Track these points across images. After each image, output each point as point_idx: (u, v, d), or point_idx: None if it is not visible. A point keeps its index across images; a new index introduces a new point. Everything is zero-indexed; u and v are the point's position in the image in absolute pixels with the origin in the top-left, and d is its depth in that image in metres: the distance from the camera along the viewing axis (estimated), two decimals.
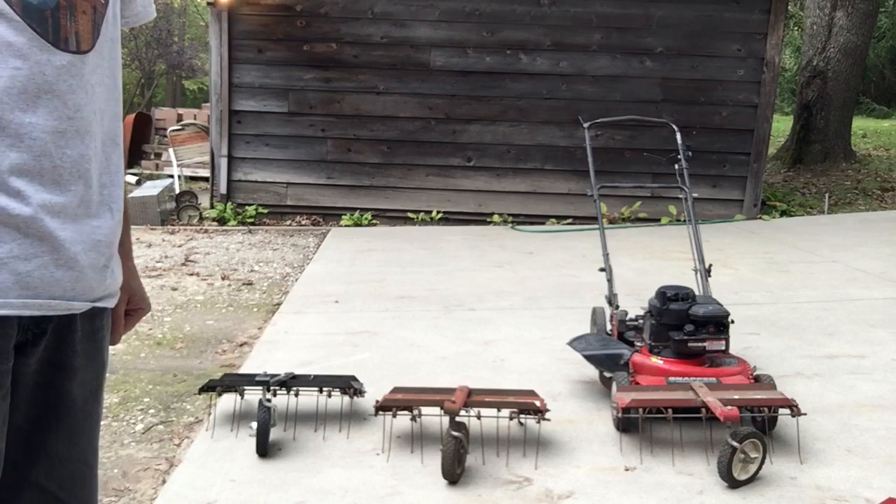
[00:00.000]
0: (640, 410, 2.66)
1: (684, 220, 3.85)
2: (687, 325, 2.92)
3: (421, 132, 8.09)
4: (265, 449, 2.67)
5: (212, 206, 8.13)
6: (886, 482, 2.52)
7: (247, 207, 8.06)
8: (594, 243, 4.49)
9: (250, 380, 2.93)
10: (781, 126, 13.53)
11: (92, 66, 1.13)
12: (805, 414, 2.65)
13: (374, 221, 8.05)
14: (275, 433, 2.79)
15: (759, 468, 2.49)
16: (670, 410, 2.65)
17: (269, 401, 2.72)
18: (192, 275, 5.57)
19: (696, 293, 3.09)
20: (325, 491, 2.47)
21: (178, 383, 3.47)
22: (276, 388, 2.84)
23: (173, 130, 9.83)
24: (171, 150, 9.63)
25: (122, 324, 1.39)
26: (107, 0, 1.16)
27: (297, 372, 3.05)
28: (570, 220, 7.97)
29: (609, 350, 3.15)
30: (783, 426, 2.82)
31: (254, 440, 2.68)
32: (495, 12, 7.90)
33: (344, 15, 7.92)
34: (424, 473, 2.57)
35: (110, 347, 1.32)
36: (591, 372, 3.32)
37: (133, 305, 1.41)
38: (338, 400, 3.00)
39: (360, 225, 7.92)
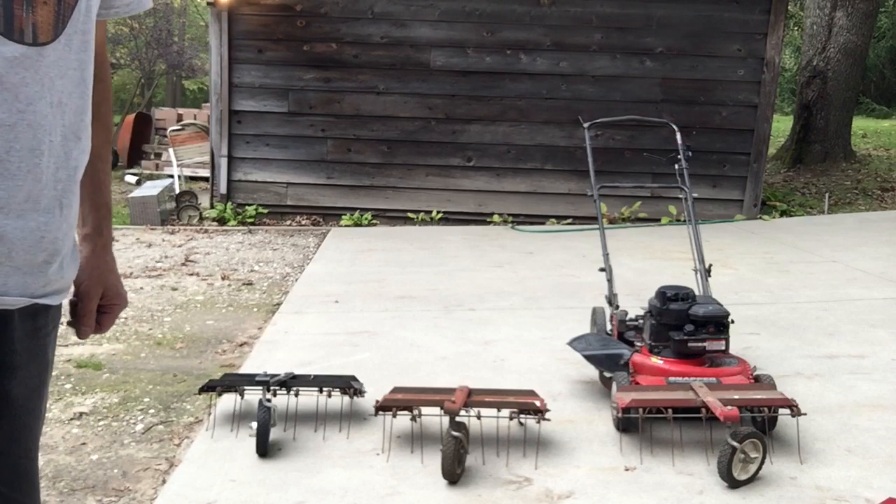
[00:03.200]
0: (640, 410, 2.66)
1: (684, 220, 3.85)
2: (687, 325, 2.92)
3: (421, 132, 8.09)
4: (265, 449, 2.67)
5: (212, 206, 8.13)
6: (886, 482, 2.52)
7: (247, 207, 8.07)
8: (594, 243, 4.49)
9: (250, 380, 2.93)
10: (781, 126, 13.53)
11: (53, 58, 1.09)
12: (805, 414, 2.65)
13: (374, 221, 8.05)
14: (275, 433, 2.79)
15: (759, 468, 2.49)
16: (670, 410, 2.65)
17: (269, 401, 2.72)
18: (192, 275, 5.56)
19: (696, 293, 3.09)
20: (325, 491, 2.47)
21: (178, 383, 3.47)
22: (276, 388, 2.84)
23: (173, 130, 9.83)
24: (171, 150, 9.63)
25: (94, 319, 1.33)
26: None
27: (297, 372, 3.05)
28: (570, 220, 7.97)
29: (609, 350, 3.15)
30: (783, 426, 2.82)
31: (254, 440, 2.68)
32: (495, 12, 7.90)
33: (344, 15, 7.92)
34: (424, 473, 2.57)
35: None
36: (591, 372, 3.32)
37: (108, 301, 1.35)
38: (338, 400, 2.99)
39: (360, 225, 7.92)
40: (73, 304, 1.33)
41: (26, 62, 1.06)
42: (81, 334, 1.33)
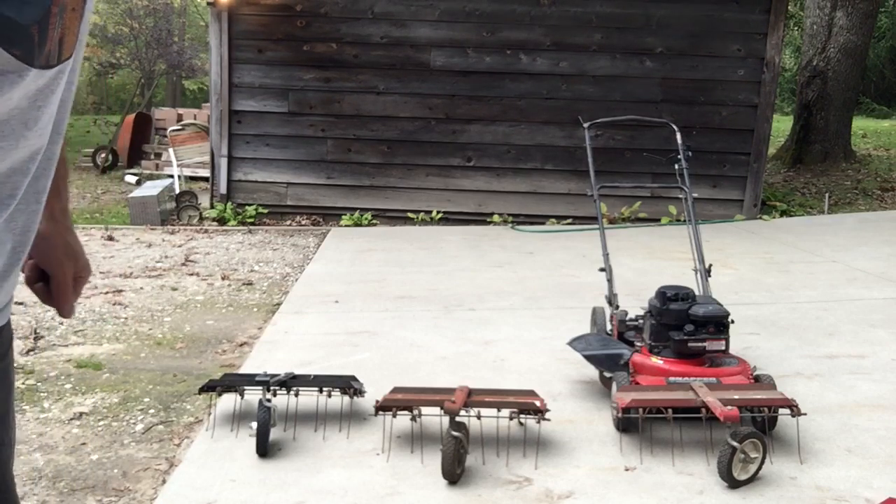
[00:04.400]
0: (640, 410, 2.66)
1: (684, 220, 3.85)
2: (687, 325, 2.92)
3: (421, 132, 8.09)
4: (265, 449, 2.67)
5: (212, 206, 8.13)
6: (886, 482, 2.52)
7: (247, 207, 8.06)
8: (594, 243, 4.49)
9: (250, 380, 2.93)
10: (781, 126, 13.52)
11: (63, 74, 0.92)
12: (805, 414, 2.65)
13: (374, 221, 8.05)
14: (275, 433, 2.79)
15: (759, 468, 2.49)
16: (670, 410, 2.65)
17: (269, 401, 2.72)
18: (192, 275, 5.56)
19: (696, 293, 3.09)
20: (325, 491, 2.47)
21: (178, 383, 3.47)
22: (276, 388, 2.84)
23: (173, 130, 9.83)
24: (171, 150, 9.63)
25: (72, 292, 1.18)
26: None
27: (297, 372, 3.05)
28: (570, 220, 7.97)
29: (609, 350, 3.15)
30: (783, 426, 2.82)
31: (254, 440, 2.67)
32: (495, 12, 7.90)
33: (344, 15, 7.92)
34: (424, 473, 2.57)
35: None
36: (591, 372, 3.32)
37: (78, 273, 1.19)
38: (338, 400, 2.99)
39: (360, 225, 7.92)
40: (41, 286, 1.17)
41: (48, 88, 0.89)
42: (66, 312, 1.18)
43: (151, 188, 8.39)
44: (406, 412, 2.74)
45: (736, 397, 2.64)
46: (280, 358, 3.68)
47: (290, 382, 2.91)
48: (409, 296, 4.92)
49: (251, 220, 7.97)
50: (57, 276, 1.15)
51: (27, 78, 0.84)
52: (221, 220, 7.90)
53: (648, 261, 5.96)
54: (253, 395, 2.90)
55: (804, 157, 10.99)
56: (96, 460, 2.73)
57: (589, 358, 3.17)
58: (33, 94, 0.87)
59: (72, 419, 3.06)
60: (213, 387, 2.94)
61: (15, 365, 1.16)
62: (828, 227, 7.65)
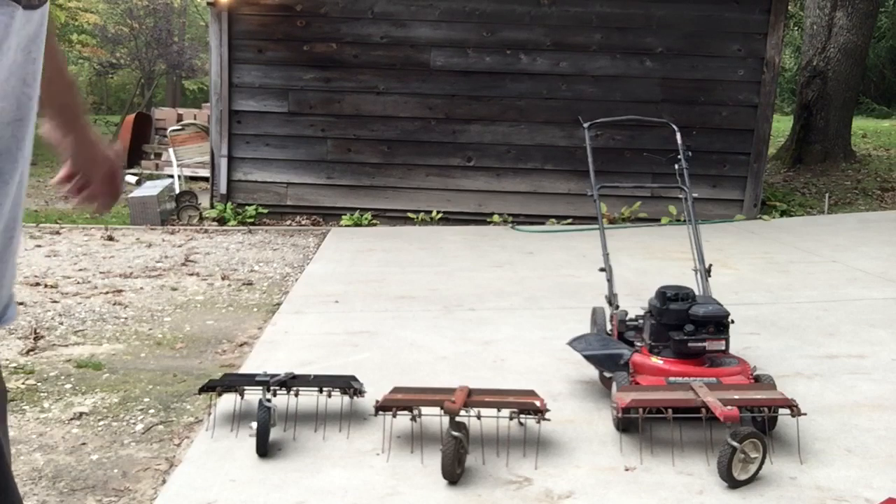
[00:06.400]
0: (640, 410, 2.66)
1: (684, 220, 3.84)
2: (687, 325, 2.92)
3: (421, 132, 8.09)
4: (265, 449, 2.67)
5: (212, 206, 8.13)
6: (886, 482, 2.52)
7: (247, 207, 8.07)
8: (594, 243, 4.49)
9: (250, 380, 2.93)
10: (781, 126, 13.52)
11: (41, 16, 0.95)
12: (805, 414, 2.65)
13: (374, 221, 8.05)
14: (275, 433, 2.79)
15: (759, 468, 2.49)
16: (670, 410, 2.65)
17: (269, 401, 2.72)
18: (192, 275, 5.56)
19: (696, 293, 3.09)
20: (325, 491, 2.47)
21: (178, 383, 3.47)
22: (276, 388, 2.84)
23: (173, 130, 9.83)
24: (171, 150, 9.63)
25: (111, 186, 1.26)
26: None
27: (297, 372, 3.05)
28: (570, 220, 7.97)
29: (609, 350, 3.15)
30: (783, 426, 2.82)
31: (254, 440, 2.67)
32: (495, 12, 7.90)
33: (344, 15, 7.92)
34: (424, 473, 2.56)
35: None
36: (591, 372, 3.32)
37: (111, 169, 1.27)
38: (338, 400, 2.99)
39: (360, 225, 7.92)
40: (80, 187, 1.25)
41: (38, 36, 0.93)
42: (104, 207, 1.28)
43: (151, 188, 8.39)
44: (406, 412, 2.74)
45: (736, 397, 2.64)
46: (280, 358, 3.68)
47: (290, 382, 2.91)
48: (409, 296, 4.92)
49: (251, 220, 7.97)
50: (95, 178, 1.25)
51: (17, 20, 0.86)
52: (221, 220, 7.90)
53: (648, 261, 5.96)
54: (253, 395, 2.90)
55: (804, 157, 10.99)
56: (96, 460, 2.73)
57: (589, 358, 3.17)
58: (26, 44, 0.89)
59: (72, 419, 3.06)
60: (213, 387, 2.94)
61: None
62: (828, 227, 7.65)
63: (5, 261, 1.01)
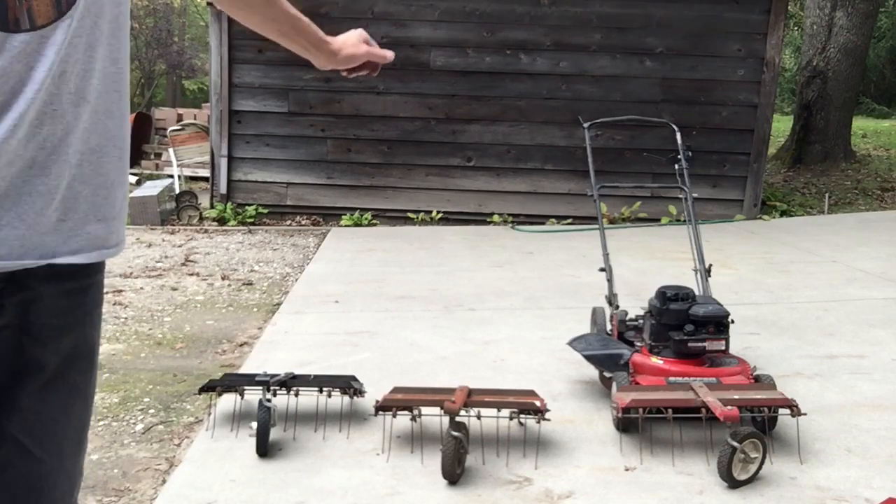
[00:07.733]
0: (640, 410, 2.66)
1: (684, 220, 3.85)
2: (687, 325, 2.92)
3: (421, 132, 8.09)
4: (265, 449, 2.67)
5: (212, 206, 8.13)
6: (886, 482, 2.52)
7: (247, 207, 8.06)
8: (594, 243, 4.49)
9: (250, 380, 2.93)
10: (781, 126, 13.52)
11: (61, 37, 1.02)
12: (805, 414, 2.65)
13: (374, 221, 8.05)
14: (275, 433, 2.79)
15: (759, 468, 2.49)
16: (670, 410, 2.65)
17: (269, 401, 2.72)
18: (192, 275, 5.57)
19: (696, 293, 3.09)
20: (325, 491, 2.47)
21: (178, 383, 3.47)
22: (276, 388, 2.84)
23: (173, 130, 9.84)
24: (171, 150, 9.64)
25: (373, 55, 1.70)
26: None
27: (297, 372, 3.05)
28: (570, 220, 7.97)
29: (609, 350, 3.15)
30: (783, 426, 2.82)
31: (254, 440, 2.67)
32: (495, 12, 7.90)
33: (344, 15, 7.92)
34: (424, 473, 2.57)
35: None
36: (591, 372, 3.32)
37: (362, 45, 1.69)
38: (338, 400, 2.99)
39: (360, 225, 7.92)
40: (350, 71, 1.71)
41: (28, 48, 1.00)
42: (374, 71, 1.75)
43: (151, 188, 8.39)
44: (406, 412, 2.74)
45: (736, 397, 2.64)
46: (280, 358, 3.68)
47: (290, 382, 2.91)
48: (409, 296, 4.92)
49: (251, 220, 7.97)
50: (363, 58, 1.69)
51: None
52: (221, 220, 7.90)
53: (648, 261, 5.96)
54: (253, 395, 2.90)
55: (804, 157, 10.99)
56: (96, 460, 2.73)
57: (589, 358, 3.17)
58: (14, 53, 0.98)
59: None
60: (213, 387, 2.94)
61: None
62: (828, 227, 7.65)
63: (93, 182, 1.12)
